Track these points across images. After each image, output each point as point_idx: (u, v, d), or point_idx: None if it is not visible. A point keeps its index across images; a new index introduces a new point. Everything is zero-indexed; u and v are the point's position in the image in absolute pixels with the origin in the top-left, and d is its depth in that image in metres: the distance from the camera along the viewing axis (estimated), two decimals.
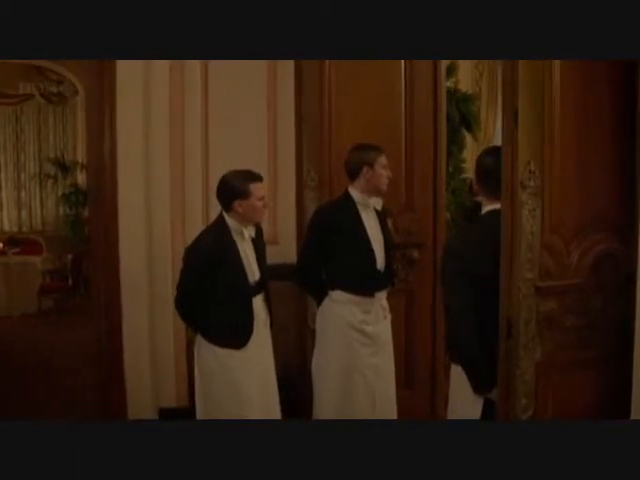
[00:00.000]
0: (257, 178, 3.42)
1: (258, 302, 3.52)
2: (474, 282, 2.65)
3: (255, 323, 3.46)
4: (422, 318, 4.48)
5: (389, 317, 3.86)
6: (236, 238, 3.44)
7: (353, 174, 3.73)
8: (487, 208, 2.81)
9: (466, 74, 7.52)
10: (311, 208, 4.12)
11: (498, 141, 2.87)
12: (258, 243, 3.57)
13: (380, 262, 3.76)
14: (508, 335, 2.62)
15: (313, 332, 4.14)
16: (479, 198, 2.90)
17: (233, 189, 3.37)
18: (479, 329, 2.64)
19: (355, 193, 3.74)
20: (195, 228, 4.44)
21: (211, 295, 3.39)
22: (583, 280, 2.72)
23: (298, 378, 4.25)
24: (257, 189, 3.40)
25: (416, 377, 4.52)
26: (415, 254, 4.33)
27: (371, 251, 3.72)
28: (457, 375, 2.75)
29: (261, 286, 3.55)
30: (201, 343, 3.51)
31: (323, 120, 4.23)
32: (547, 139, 2.60)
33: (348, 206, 3.73)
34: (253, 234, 3.52)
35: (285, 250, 4.58)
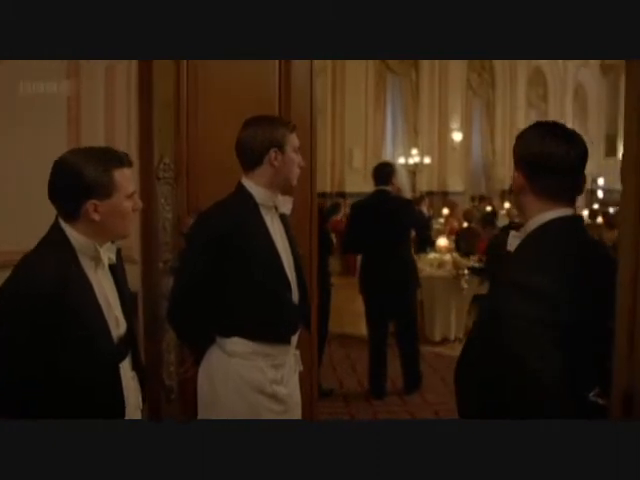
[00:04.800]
0: (123, 161, 2.04)
1: (126, 371, 2.13)
2: (560, 334, 1.68)
3: (126, 407, 2.08)
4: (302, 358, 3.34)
5: (300, 369, 2.68)
6: (86, 265, 2.01)
7: (252, 161, 2.49)
8: (547, 216, 1.84)
9: None
10: (166, 209, 2.83)
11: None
12: (118, 272, 2.17)
13: (294, 291, 2.57)
14: (628, 412, 1.68)
15: (169, 391, 2.83)
16: (524, 199, 1.90)
17: (86, 182, 1.95)
18: (575, 406, 1.71)
19: (256, 189, 2.50)
20: None
21: (49, 365, 1.92)
22: None
23: None
24: (125, 179, 2.02)
25: None
26: None
27: (283, 275, 2.52)
28: None
29: (129, 343, 2.16)
30: None
31: (180, 98, 3.03)
32: None
33: (247, 209, 2.48)
34: (113, 257, 2.11)
35: None
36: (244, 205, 2.47)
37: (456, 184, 16.64)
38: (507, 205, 14.87)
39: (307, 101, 3.44)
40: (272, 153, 2.46)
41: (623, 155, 1.68)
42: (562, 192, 1.85)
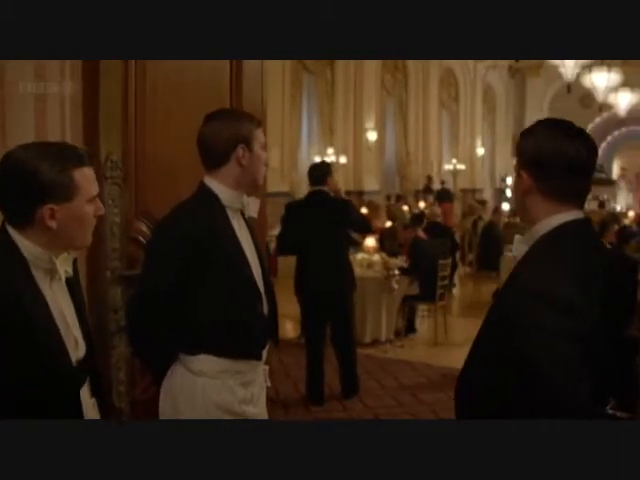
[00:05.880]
0: (83, 159, 1.77)
1: (86, 398, 1.87)
2: (585, 347, 1.56)
3: None
4: None
5: (268, 385, 2.47)
6: (39, 279, 1.74)
7: (218, 158, 2.27)
8: (557, 219, 1.71)
9: None
10: (114, 212, 2.59)
11: None
12: (75, 286, 1.90)
13: (264, 301, 2.36)
14: None
15: (119, 414, 2.58)
16: (530, 200, 1.76)
17: (42, 183, 1.68)
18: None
19: (222, 189, 2.28)
20: None
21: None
22: None
23: None
24: (86, 180, 1.76)
25: None
26: None
27: (255, 286, 2.31)
28: None
29: (88, 367, 1.89)
30: None
31: (128, 92, 2.77)
32: None
33: (213, 211, 2.25)
34: (70, 269, 1.85)
35: None
36: (210, 208, 2.24)
37: (371, 183, 16.69)
38: (422, 204, 15.08)
39: (258, 101, 3.24)
40: (239, 150, 2.24)
41: None
42: (572, 193, 1.73)
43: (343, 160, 16.00)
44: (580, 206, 1.75)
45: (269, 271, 2.43)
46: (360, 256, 7.76)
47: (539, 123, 1.81)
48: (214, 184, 2.27)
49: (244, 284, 2.27)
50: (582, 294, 1.56)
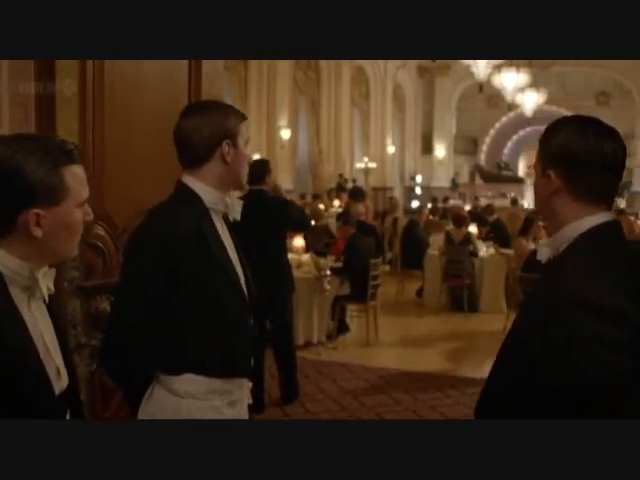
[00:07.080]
0: (73, 155, 1.52)
1: None
2: (634, 357, 1.47)
3: None
4: None
5: (249, 402, 2.27)
6: (17, 297, 1.49)
7: (200, 155, 2.05)
8: (589, 222, 1.61)
9: None
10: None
11: None
12: (55, 307, 1.65)
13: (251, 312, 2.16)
14: None
15: None
16: (557, 202, 1.65)
17: (29, 183, 1.43)
18: None
19: (204, 190, 2.06)
20: None
21: None
22: None
23: None
24: (77, 181, 1.52)
25: None
26: None
27: (244, 297, 2.11)
28: None
29: (69, 399, 1.64)
30: None
31: (86, 91, 2.55)
32: None
33: (198, 213, 2.03)
34: (52, 286, 1.60)
35: None
36: (193, 209, 2.02)
37: (285, 182, 16.51)
38: (337, 203, 15.04)
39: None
40: (225, 146, 2.03)
41: None
42: (604, 193, 1.64)
43: (257, 158, 15.79)
44: (609, 207, 1.66)
45: (253, 279, 2.23)
46: (289, 256, 7.58)
47: (566, 120, 1.70)
48: (195, 183, 2.05)
49: (234, 296, 2.07)
50: (623, 297, 1.48)
